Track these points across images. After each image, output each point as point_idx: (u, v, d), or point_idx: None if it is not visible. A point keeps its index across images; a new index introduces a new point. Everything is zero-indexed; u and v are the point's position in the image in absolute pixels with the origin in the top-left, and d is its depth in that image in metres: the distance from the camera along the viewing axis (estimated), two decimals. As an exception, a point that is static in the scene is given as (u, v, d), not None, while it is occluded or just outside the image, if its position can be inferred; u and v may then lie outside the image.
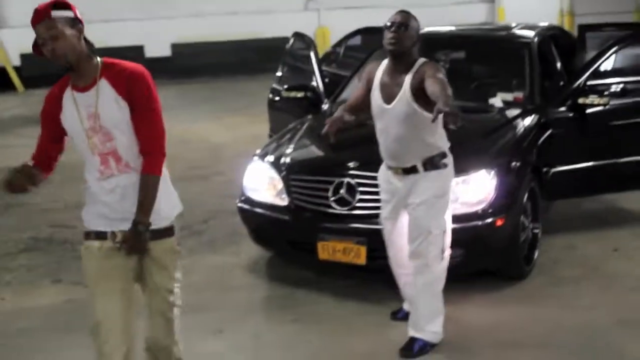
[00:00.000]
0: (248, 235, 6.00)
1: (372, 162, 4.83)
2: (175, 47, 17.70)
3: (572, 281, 5.54)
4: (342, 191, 5.17)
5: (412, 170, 4.36)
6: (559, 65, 6.88)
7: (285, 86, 7.17)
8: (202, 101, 14.82)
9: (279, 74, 7.99)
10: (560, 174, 6.01)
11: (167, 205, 3.48)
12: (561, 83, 6.58)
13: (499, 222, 5.06)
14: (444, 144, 4.39)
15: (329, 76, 7.46)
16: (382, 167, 4.61)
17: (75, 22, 3.28)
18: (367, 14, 18.29)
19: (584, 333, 4.75)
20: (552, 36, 7.11)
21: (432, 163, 4.34)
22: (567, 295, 5.30)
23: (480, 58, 6.81)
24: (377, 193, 4.82)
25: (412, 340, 4.52)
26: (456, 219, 4.70)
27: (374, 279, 5.41)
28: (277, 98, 7.61)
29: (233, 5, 17.93)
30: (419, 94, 4.17)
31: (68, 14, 3.26)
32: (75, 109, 3.37)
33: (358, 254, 5.07)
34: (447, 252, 4.48)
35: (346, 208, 5.15)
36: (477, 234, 5.02)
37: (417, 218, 4.37)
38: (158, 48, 17.48)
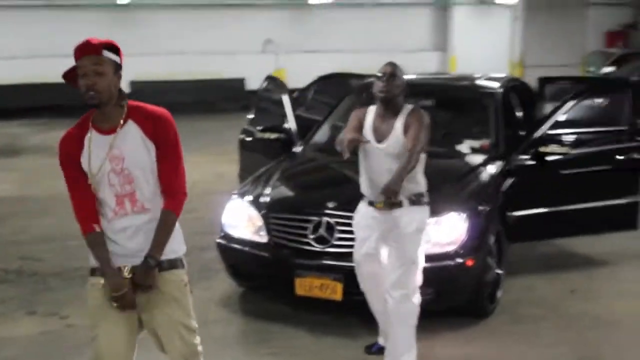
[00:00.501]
0: (220, 271, 6.17)
1: (349, 202, 5.10)
2: (134, 84, 17.84)
3: (532, 320, 5.83)
4: (321, 230, 5.40)
5: (396, 204, 4.64)
6: (520, 114, 7.26)
7: (259, 127, 7.40)
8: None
9: (250, 115, 8.22)
10: (522, 218, 6.33)
11: (176, 240, 3.57)
12: (522, 132, 6.94)
13: (469, 263, 5.34)
14: (424, 184, 4.72)
15: (298, 120, 7.71)
16: (361, 205, 4.87)
17: (118, 68, 3.39)
18: (322, 58, 18.77)
19: (546, 368, 5.03)
20: (514, 87, 7.50)
21: (414, 200, 4.65)
22: (529, 333, 5.58)
23: (448, 106, 7.15)
24: (353, 232, 5.08)
25: None
26: (429, 258, 4.96)
27: (349, 314, 5.63)
28: (249, 139, 7.83)
29: (193, 45, 18.20)
30: None
31: (116, 58, 3.37)
32: (98, 150, 3.40)
33: (334, 290, 5.30)
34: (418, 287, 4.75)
35: (324, 246, 5.38)
36: (449, 273, 5.30)
37: (401, 249, 4.64)
38: (117, 85, 17.61)
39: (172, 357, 3.58)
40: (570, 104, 6.69)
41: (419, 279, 4.76)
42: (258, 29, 18.34)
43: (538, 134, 6.53)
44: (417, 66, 18.98)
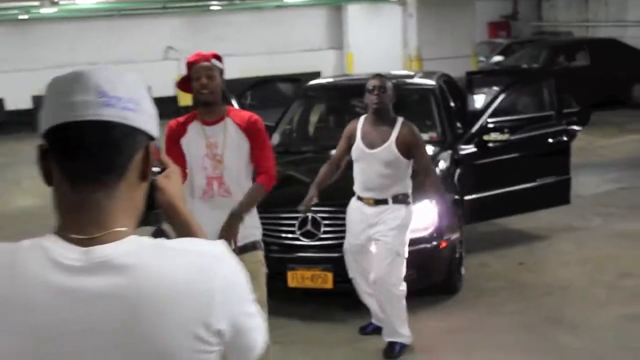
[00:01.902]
0: None
1: (331, 196, 5.60)
2: (36, 99, 17.62)
3: (494, 292, 6.46)
4: (308, 225, 5.85)
5: (382, 202, 5.16)
6: (453, 106, 7.90)
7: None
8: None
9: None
10: (471, 202, 6.96)
11: (255, 224, 4.37)
12: (458, 123, 7.57)
13: (443, 244, 5.93)
14: (409, 187, 5.27)
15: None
16: (353, 201, 5.36)
17: (222, 74, 4.25)
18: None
19: (519, 331, 5.66)
20: (445, 82, 8.14)
21: (399, 199, 5.18)
22: (495, 304, 6.21)
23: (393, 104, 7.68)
24: (339, 225, 5.58)
25: (392, 344, 5.30)
26: (409, 243, 5.50)
27: (340, 301, 6.10)
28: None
29: (93, 56, 18.11)
30: (402, 148, 5.14)
31: (221, 66, 4.26)
32: (200, 137, 4.23)
33: (325, 280, 5.76)
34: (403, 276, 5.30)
35: (312, 240, 5.84)
36: (426, 255, 5.85)
37: (387, 242, 5.15)
38: (18, 100, 17.39)
39: None
40: (504, 94, 7.37)
41: (403, 269, 5.27)
42: (158, 36, 18.46)
43: (480, 123, 7.16)
44: (316, 65, 19.67)
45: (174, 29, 18.78)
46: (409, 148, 5.17)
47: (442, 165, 6.66)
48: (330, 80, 8.65)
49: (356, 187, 5.33)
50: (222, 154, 4.21)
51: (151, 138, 1.46)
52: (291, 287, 5.86)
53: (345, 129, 5.49)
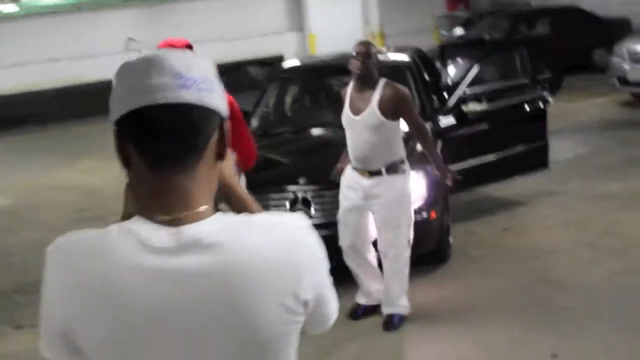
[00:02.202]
0: None
1: (318, 174, 5.69)
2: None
3: (482, 258, 6.59)
4: (298, 204, 5.90)
5: (376, 172, 5.20)
6: (429, 79, 7.98)
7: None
8: (45, 150, 14.74)
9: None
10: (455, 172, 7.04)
11: None
12: (434, 96, 7.66)
13: (433, 215, 6.02)
14: (402, 151, 5.28)
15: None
16: (348, 170, 5.37)
17: None
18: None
19: (512, 295, 5.79)
20: (419, 56, 8.21)
21: (394, 168, 5.21)
22: (485, 270, 6.34)
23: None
24: (330, 202, 5.64)
25: (391, 316, 5.37)
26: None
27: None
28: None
29: (53, 52, 17.89)
30: (386, 111, 5.10)
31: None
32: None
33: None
34: (411, 240, 5.34)
35: (304, 219, 5.88)
36: (418, 226, 5.91)
37: (385, 217, 5.21)
38: (-17, 99, 17.13)
39: None
40: (478, 65, 7.47)
41: (411, 233, 5.30)
42: (118, 28, 18.25)
43: (457, 95, 7.25)
44: (278, 48, 19.62)
45: (134, 20, 18.61)
46: (394, 109, 5.14)
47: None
48: (306, 61, 8.68)
49: (350, 157, 5.35)
50: None
51: (223, 118, 1.48)
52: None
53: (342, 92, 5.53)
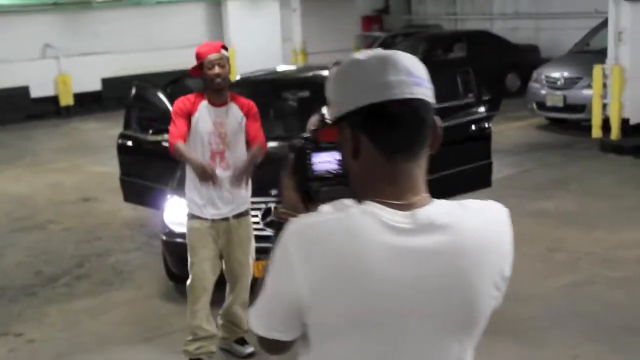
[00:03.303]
0: (138, 271, 6.47)
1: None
2: None
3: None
4: (271, 215, 5.99)
5: None
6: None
7: (151, 131, 7.73)
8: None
9: (127, 120, 8.36)
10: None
11: (248, 195, 5.20)
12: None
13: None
14: None
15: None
16: None
17: (228, 62, 4.93)
18: (106, 60, 18.67)
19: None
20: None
21: None
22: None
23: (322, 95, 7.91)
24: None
25: None
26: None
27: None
28: (129, 143, 8.07)
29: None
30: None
31: (227, 54, 4.96)
32: (208, 115, 4.94)
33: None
34: None
35: (276, 229, 5.97)
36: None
37: None
38: None
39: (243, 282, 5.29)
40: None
41: None
42: (35, 33, 17.81)
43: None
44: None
45: (51, 26, 18.20)
46: None
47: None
48: (258, 75, 8.74)
49: None
50: (226, 132, 4.93)
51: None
52: (257, 277, 5.98)
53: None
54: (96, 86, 18.66)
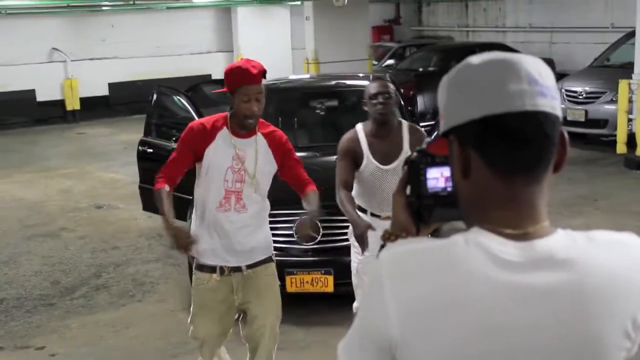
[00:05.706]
0: (156, 281, 6.23)
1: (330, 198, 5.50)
2: None
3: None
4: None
5: None
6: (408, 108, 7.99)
7: (174, 138, 7.47)
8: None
9: (147, 126, 8.12)
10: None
11: (270, 238, 4.31)
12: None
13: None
14: None
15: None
16: (364, 217, 4.67)
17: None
18: (114, 65, 18.46)
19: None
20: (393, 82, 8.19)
21: None
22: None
23: (349, 105, 7.67)
24: (338, 227, 5.50)
25: None
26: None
27: (339, 305, 5.99)
28: (149, 150, 7.82)
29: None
30: None
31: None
32: (228, 147, 4.00)
33: (326, 283, 5.68)
34: None
35: (311, 243, 5.71)
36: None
37: None
38: None
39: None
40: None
41: None
42: (43, 37, 17.54)
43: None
44: (205, 68, 19.33)
45: (59, 30, 17.94)
46: None
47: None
48: (283, 81, 8.49)
49: (368, 205, 4.71)
50: (247, 168, 4.04)
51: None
52: (289, 292, 5.72)
53: (341, 145, 4.71)
54: (103, 91, 18.44)
